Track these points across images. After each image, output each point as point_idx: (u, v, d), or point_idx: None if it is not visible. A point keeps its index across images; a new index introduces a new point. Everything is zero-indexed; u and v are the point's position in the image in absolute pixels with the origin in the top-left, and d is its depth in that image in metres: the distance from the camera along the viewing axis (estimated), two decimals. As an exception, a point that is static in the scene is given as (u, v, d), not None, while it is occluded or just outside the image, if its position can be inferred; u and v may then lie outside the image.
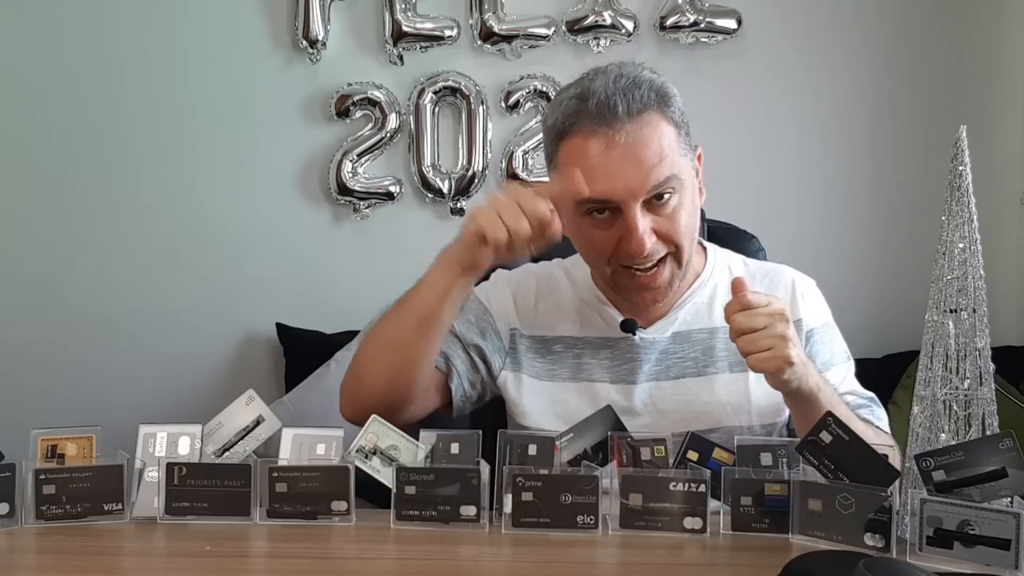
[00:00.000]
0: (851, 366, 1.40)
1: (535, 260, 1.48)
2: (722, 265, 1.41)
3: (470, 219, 1.19)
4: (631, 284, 1.29)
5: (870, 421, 1.30)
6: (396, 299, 1.31)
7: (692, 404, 1.33)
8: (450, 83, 2.61)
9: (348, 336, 2.54)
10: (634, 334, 1.34)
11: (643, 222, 1.23)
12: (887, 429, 1.34)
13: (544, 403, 1.36)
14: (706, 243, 1.44)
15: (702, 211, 1.59)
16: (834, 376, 1.36)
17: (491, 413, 1.45)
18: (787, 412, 1.34)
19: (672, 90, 1.27)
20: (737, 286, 1.17)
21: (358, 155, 2.62)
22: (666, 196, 1.24)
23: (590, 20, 2.56)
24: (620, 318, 1.35)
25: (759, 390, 1.33)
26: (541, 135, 2.67)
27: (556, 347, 1.38)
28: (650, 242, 1.23)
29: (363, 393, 1.32)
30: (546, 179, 2.40)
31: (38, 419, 1.18)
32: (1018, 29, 2.60)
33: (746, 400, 1.33)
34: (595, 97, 1.23)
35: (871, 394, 1.38)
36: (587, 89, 1.24)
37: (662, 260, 1.27)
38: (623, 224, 1.24)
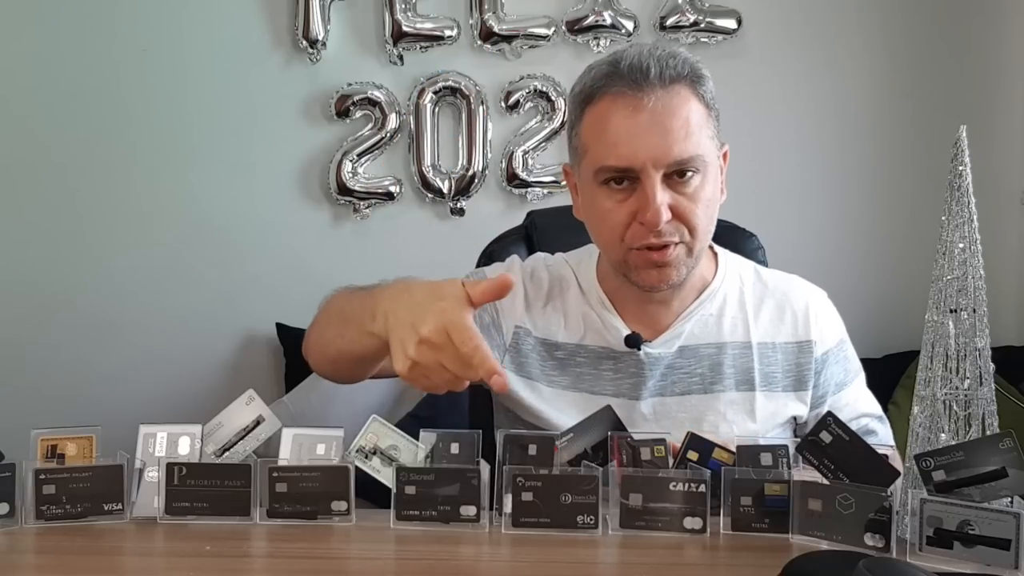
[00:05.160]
0: (862, 378, 1.39)
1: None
2: (733, 275, 1.36)
3: (408, 350, 1.02)
4: (641, 262, 1.23)
5: None
6: (355, 291, 1.23)
7: (697, 421, 1.29)
8: (450, 83, 2.61)
9: (348, 336, 2.54)
10: (639, 348, 1.30)
11: (662, 195, 1.18)
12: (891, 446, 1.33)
13: (542, 406, 1.33)
14: (718, 248, 1.39)
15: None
16: (849, 396, 1.35)
17: (491, 413, 1.45)
18: (787, 425, 1.34)
19: (707, 73, 1.23)
20: None
21: (358, 155, 2.62)
22: (688, 174, 1.19)
23: (590, 20, 2.57)
24: (624, 330, 1.31)
25: (765, 409, 1.32)
26: (541, 135, 2.70)
27: (558, 353, 1.34)
28: (666, 216, 1.18)
29: (314, 363, 1.33)
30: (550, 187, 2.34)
31: (38, 419, 1.17)
32: (1018, 29, 2.60)
33: (752, 419, 1.31)
34: (627, 60, 1.20)
35: (880, 412, 1.37)
36: (620, 55, 1.21)
37: (675, 244, 1.22)
38: (641, 195, 1.19)
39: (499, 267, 1.42)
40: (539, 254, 1.46)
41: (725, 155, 1.28)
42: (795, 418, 1.34)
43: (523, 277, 1.38)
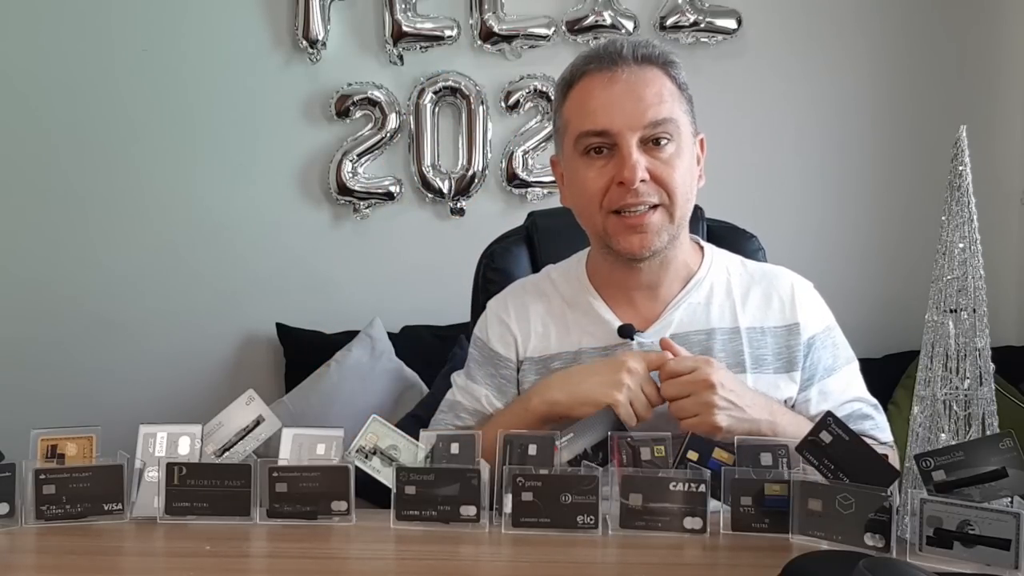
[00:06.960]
0: (855, 366, 1.40)
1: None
2: (719, 265, 1.40)
3: (615, 387, 1.20)
4: (620, 227, 1.29)
5: (872, 436, 1.30)
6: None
7: None
8: (450, 83, 2.61)
9: (348, 336, 2.54)
10: (632, 339, 1.32)
11: (637, 155, 1.25)
12: (887, 438, 1.33)
13: None
14: (703, 243, 1.43)
15: (701, 210, 1.59)
16: (839, 381, 1.36)
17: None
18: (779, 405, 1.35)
19: (678, 60, 1.33)
20: (663, 347, 1.26)
21: (358, 155, 2.62)
22: (663, 141, 1.27)
23: (590, 20, 2.57)
24: (616, 322, 1.34)
25: (758, 390, 1.33)
26: (541, 135, 2.70)
27: (555, 364, 1.36)
28: (641, 174, 1.25)
29: None
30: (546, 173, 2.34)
31: (38, 419, 1.18)
32: (1018, 29, 2.60)
33: None
34: (604, 46, 1.31)
35: (875, 401, 1.38)
36: (598, 45, 1.34)
37: (653, 208, 1.28)
38: (619, 159, 1.26)
39: (483, 323, 1.44)
40: (512, 284, 1.48)
41: (702, 143, 1.35)
42: (786, 400, 1.35)
43: (504, 314, 1.41)
